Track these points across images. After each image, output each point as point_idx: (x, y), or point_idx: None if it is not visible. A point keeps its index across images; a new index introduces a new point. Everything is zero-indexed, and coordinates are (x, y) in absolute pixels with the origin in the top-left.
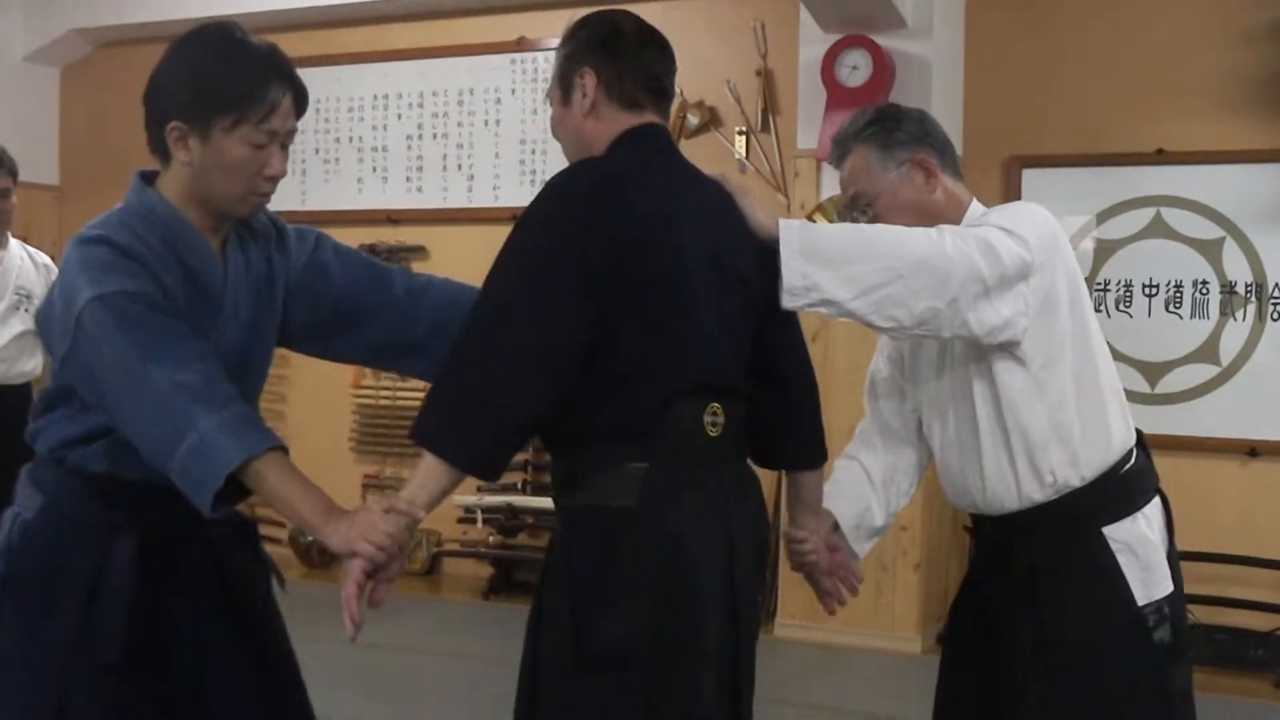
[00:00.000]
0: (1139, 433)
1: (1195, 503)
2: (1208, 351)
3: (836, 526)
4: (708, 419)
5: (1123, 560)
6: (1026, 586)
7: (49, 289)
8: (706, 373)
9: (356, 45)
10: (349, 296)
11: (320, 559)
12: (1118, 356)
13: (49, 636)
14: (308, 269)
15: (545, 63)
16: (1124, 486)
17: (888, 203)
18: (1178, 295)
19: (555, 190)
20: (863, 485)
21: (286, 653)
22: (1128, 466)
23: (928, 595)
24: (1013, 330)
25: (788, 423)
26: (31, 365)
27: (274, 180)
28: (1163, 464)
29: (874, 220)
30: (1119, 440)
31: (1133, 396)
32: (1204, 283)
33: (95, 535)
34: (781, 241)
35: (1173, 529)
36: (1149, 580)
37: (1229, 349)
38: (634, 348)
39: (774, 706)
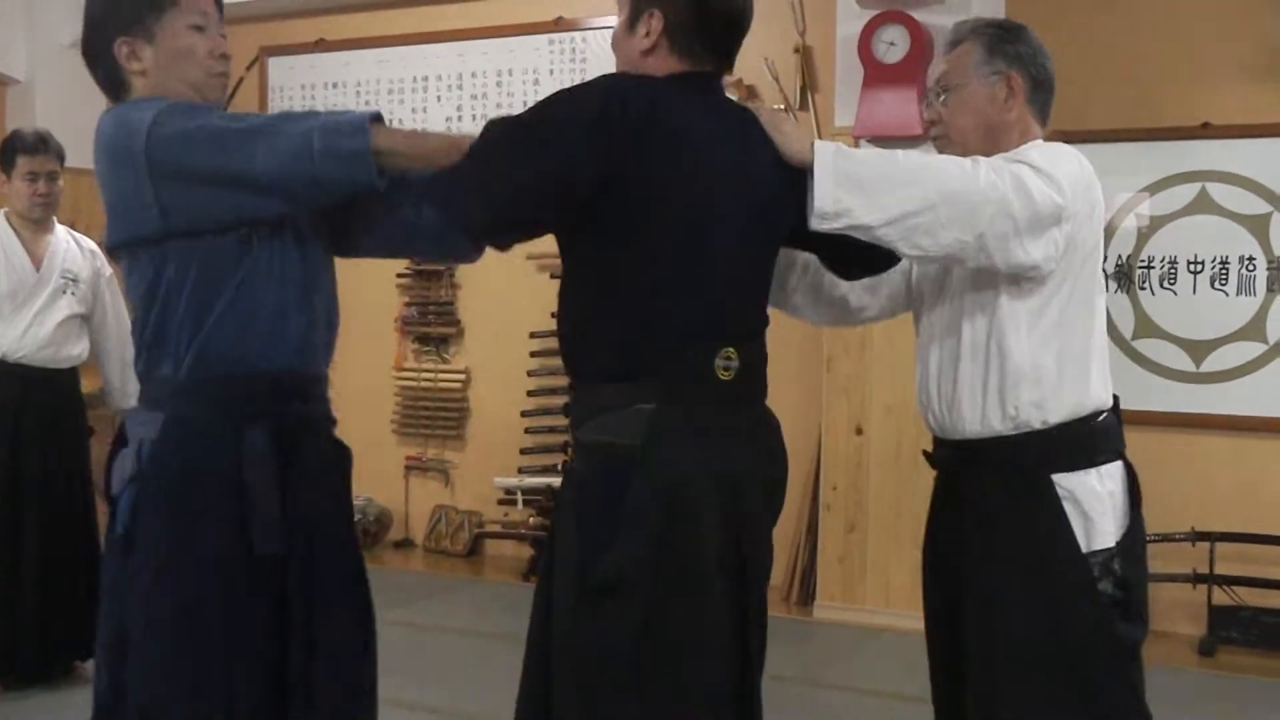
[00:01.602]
0: (1116, 399)
1: (1242, 483)
2: (1254, 329)
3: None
4: (720, 363)
5: (1066, 508)
6: (973, 522)
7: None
8: (722, 317)
9: (396, 27)
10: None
11: (364, 540)
12: (1162, 334)
13: (207, 541)
14: None
15: (583, 43)
16: (1086, 440)
17: (960, 98)
18: (1224, 272)
19: (592, 83)
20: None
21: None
22: (1095, 423)
23: None
24: (1038, 271)
25: (857, 255)
26: (79, 349)
27: (226, 59)
28: (1208, 443)
29: (944, 107)
30: (1094, 398)
31: (1178, 375)
32: (1250, 259)
33: (228, 431)
34: (816, 164)
35: (1139, 498)
36: (1089, 530)
37: (1276, 326)
38: (651, 289)
39: (812, 688)
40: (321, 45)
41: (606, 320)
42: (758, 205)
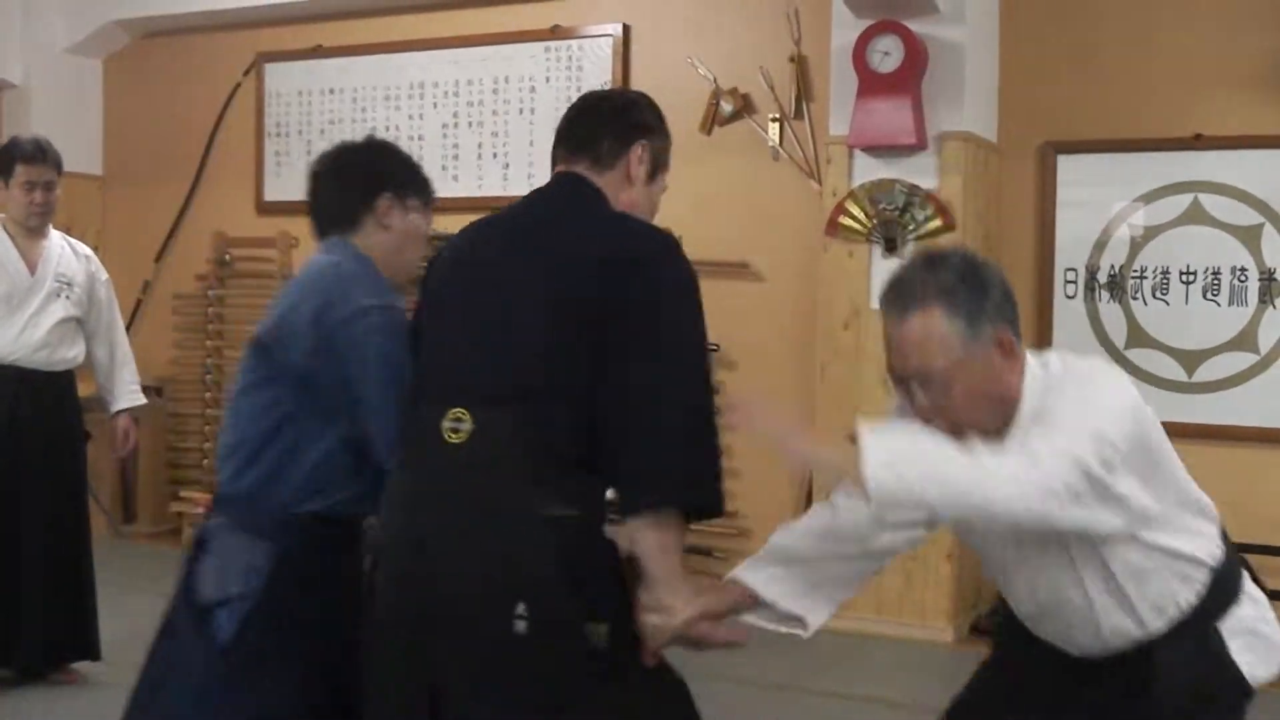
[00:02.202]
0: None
1: (1233, 493)
2: (1246, 339)
3: (754, 599)
4: (447, 425)
5: (1243, 643)
6: (1138, 687)
7: (284, 303)
8: (448, 380)
9: (393, 34)
10: None
11: None
12: (1154, 344)
13: (310, 660)
14: None
15: (579, 50)
16: (1228, 580)
17: (963, 390)
18: (1215, 282)
19: None
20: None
21: None
22: (1224, 560)
23: (960, 585)
24: (1111, 529)
25: (611, 455)
26: (74, 352)
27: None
28: (1200, 453)
29: (938, 401)
30: (1213, 543)
31: (1170, 384)
32: (1242, 270)
33: (331, 564)
34: (871, 484)
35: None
36: (1272, 653)
37: (1268, 337)
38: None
39: (804, 695)
40: (319, 51)
41: None
42: (548, 282)
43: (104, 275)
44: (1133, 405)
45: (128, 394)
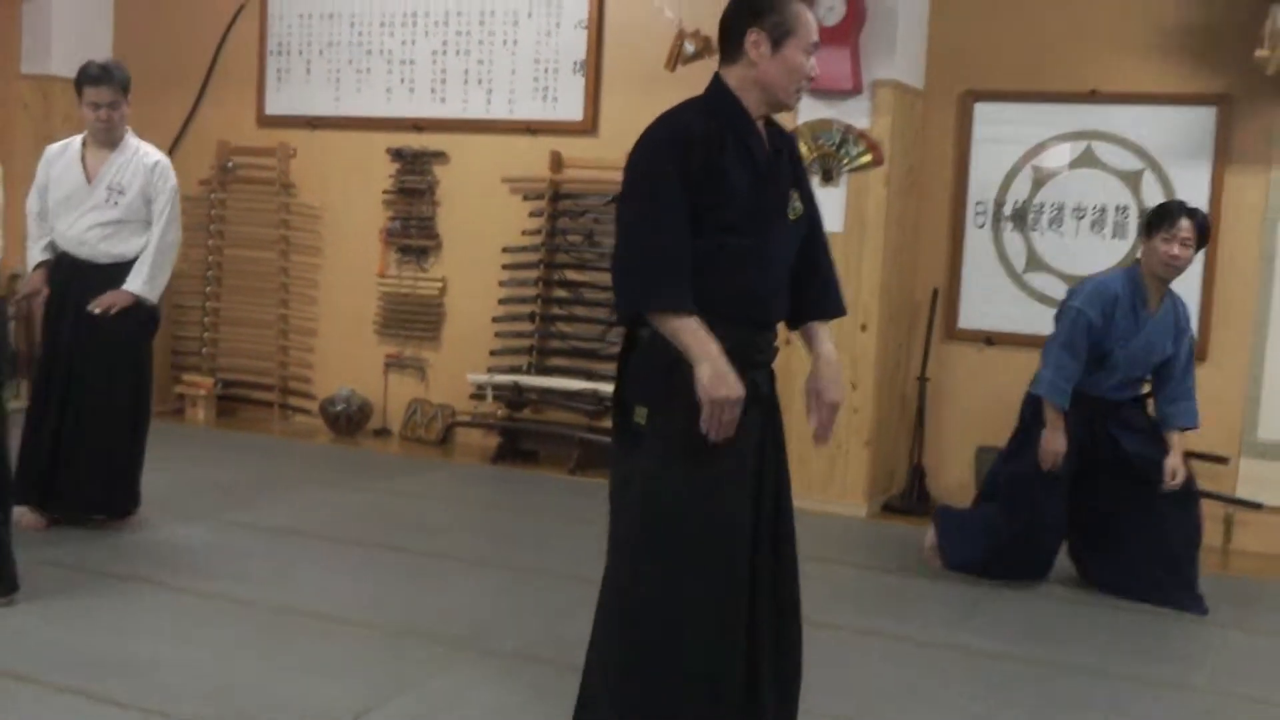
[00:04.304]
0: None
1: None
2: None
3: None
4: None
5: None
6: None
7: None
8: None
9: None
10: None
11: (346, 427)
12: (1048, 270)
13: None
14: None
15: None
16: None
17: None
18: (1102, 218)
19: None
20: None
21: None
22: None
23: (874, 469)
24: None
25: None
26: (120, 249)
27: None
28: None
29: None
30: None
31: (1059, 305)
32: (1124, 208)
33: None
34: None
35: None
36: None
37: None
38: None
39: None
40: None
41: None
42: None
43: (168, 183)
44: None
45: (133, 280)
